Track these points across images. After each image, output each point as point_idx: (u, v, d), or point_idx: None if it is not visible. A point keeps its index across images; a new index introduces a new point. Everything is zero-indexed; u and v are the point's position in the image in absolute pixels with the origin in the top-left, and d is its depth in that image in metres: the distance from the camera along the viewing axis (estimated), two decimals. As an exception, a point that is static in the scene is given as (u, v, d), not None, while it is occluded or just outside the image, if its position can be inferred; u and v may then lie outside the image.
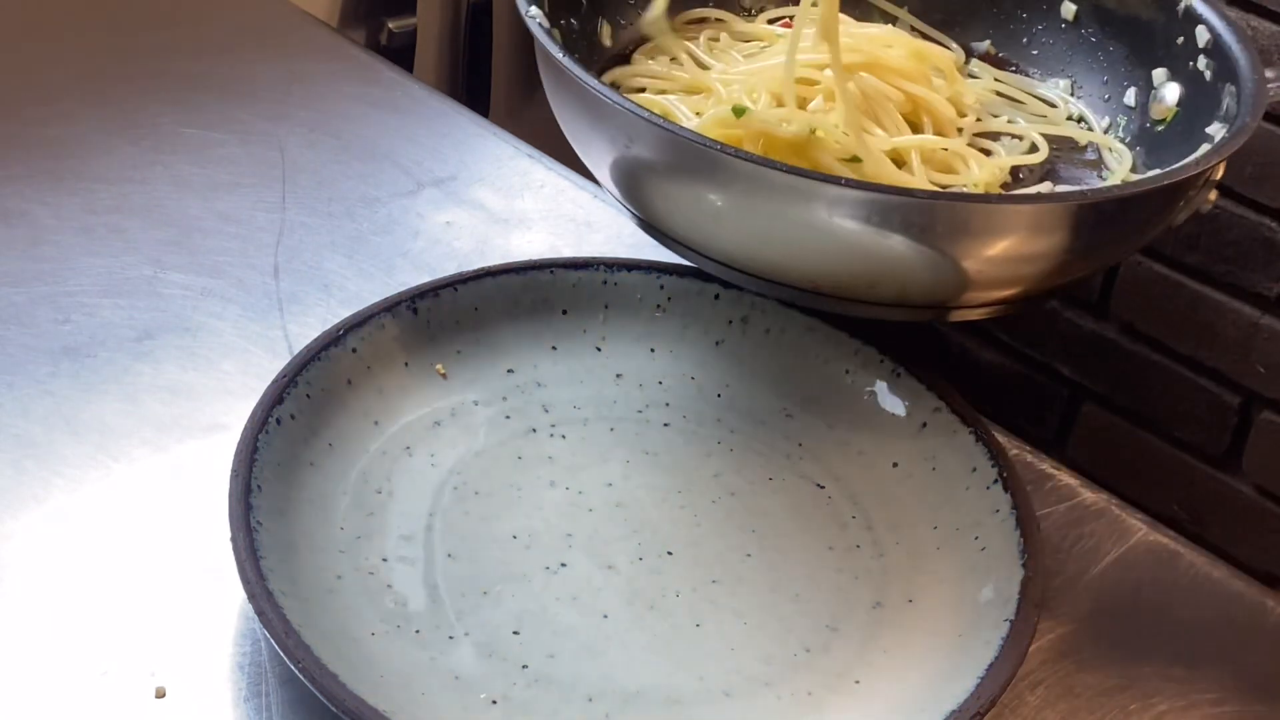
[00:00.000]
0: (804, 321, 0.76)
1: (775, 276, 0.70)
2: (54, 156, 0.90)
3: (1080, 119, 0.85)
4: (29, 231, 0.83)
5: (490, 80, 1.46)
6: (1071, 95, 0.87)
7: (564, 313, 0.77)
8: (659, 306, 0.77)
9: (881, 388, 0.73)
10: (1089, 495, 0.75)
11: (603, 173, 0.72)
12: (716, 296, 0.77)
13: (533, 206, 0.91)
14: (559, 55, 0.69)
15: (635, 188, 0.70)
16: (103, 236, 0.84)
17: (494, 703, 0.60)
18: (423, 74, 1.43)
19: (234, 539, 0.61)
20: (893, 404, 0.73)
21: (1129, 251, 0.74)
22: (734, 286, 0.76)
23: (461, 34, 1.45)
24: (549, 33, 0.72)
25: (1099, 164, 0.82)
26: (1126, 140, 0.83)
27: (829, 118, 0.73)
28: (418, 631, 0.62)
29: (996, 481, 0.68)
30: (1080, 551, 0.71)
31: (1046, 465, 0.76)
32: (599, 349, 0.77)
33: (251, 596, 0.59)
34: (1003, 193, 0.76)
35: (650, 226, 0.73)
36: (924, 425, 0.72)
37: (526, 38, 0.76)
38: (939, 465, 0.70)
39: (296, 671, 0.57)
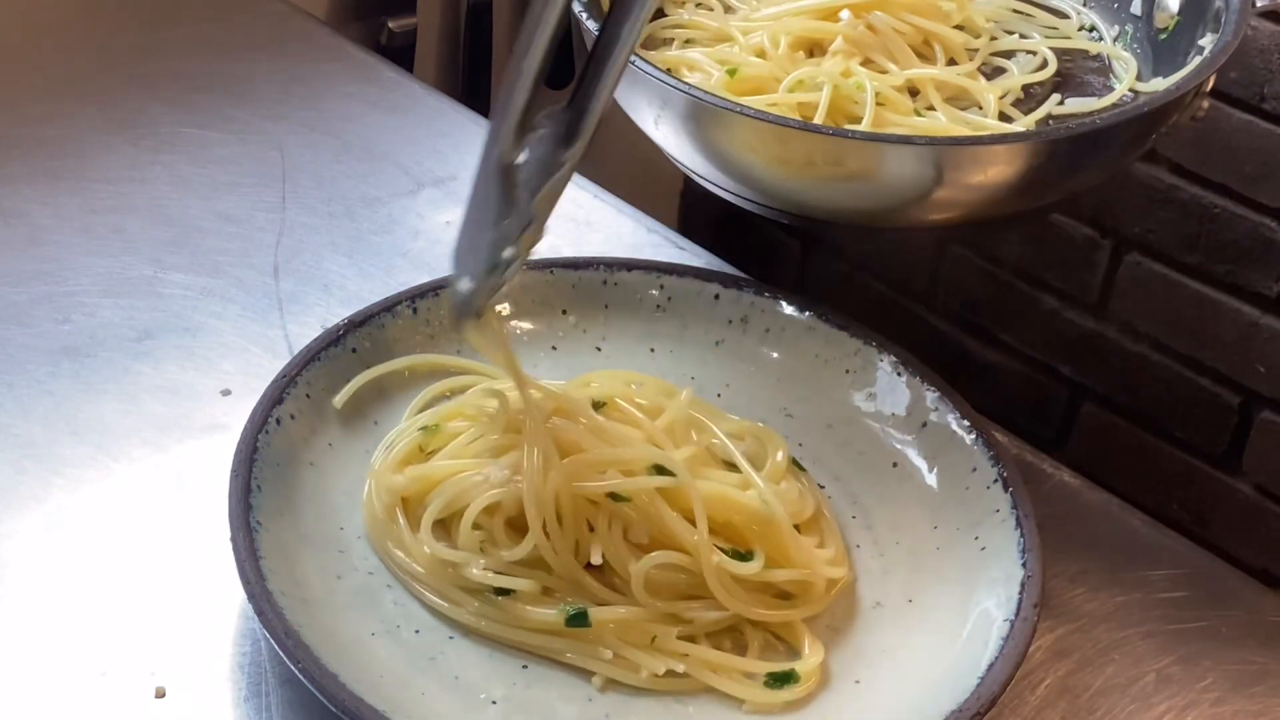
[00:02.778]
0: (804, 321, 0.76)
1: (790, 209, 0.77)
2: (54, 156, 0.89)
3: (1092, 28, 0.90)
4: (29, 231, 0.83)
5: (490, 80, 1.46)
6: (1084, 6, 0.91)
7: (564, 313, 0.77)
8: (659, 306, 0.77)
9: (882, 388, 0.73)
10: (1089, 495, 0.75)
11: (648, 127, 0.76)
12: (716, 296, 0.77)
13: (533, 206, 0.90)
14: (591, 27, 0.74)
15: (679, 142, 0.75)
16: (103, 236, 0.84)
17: (494, 703, 0.60)
18: (423, 74, 1.42)
19: (234, 539, 0.61)
20: (893, 404, 0.73)
21: (1124, 167, 0.82)
22: (734, 286, 0.76)
23: (461, 34, 1.44)
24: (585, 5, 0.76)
25: (1107, 71, 0.86)
26: (1136, 48, 0.86)
27: (822, 68, 0.78)
28: (417, 631, 0.62)
29: (996, 481, 0.67)
30: (1080, 552, 0.71)
31: (1046, 465, 0.76)
32: (599, 349, 0.77)
33: (251, 596, 0.59)
34: (998, 129, 0.80)
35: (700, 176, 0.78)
36: (924, 425, 0.72)
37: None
38: (939, 465, 0.70)
39: (296, 671, 0.57)
